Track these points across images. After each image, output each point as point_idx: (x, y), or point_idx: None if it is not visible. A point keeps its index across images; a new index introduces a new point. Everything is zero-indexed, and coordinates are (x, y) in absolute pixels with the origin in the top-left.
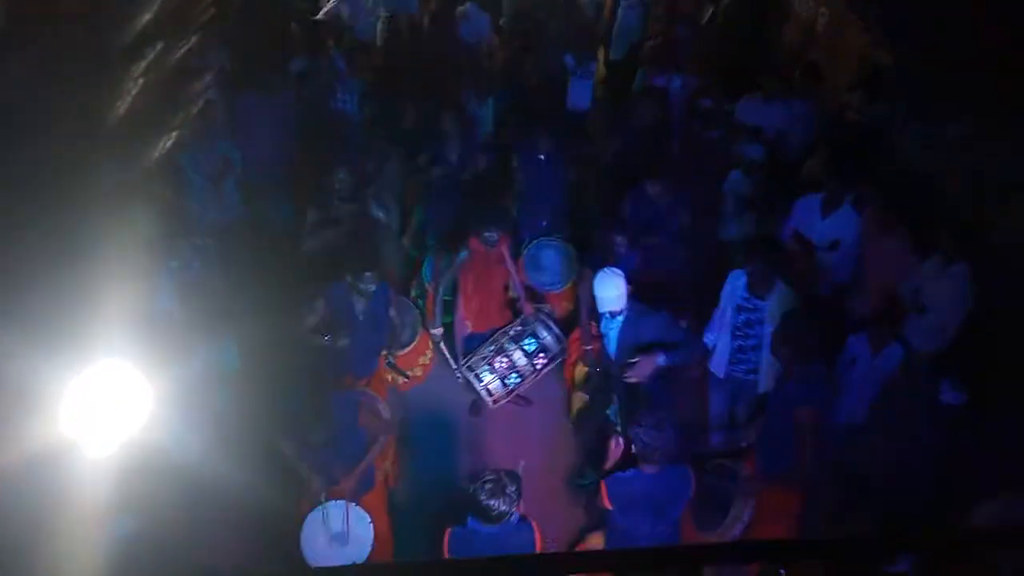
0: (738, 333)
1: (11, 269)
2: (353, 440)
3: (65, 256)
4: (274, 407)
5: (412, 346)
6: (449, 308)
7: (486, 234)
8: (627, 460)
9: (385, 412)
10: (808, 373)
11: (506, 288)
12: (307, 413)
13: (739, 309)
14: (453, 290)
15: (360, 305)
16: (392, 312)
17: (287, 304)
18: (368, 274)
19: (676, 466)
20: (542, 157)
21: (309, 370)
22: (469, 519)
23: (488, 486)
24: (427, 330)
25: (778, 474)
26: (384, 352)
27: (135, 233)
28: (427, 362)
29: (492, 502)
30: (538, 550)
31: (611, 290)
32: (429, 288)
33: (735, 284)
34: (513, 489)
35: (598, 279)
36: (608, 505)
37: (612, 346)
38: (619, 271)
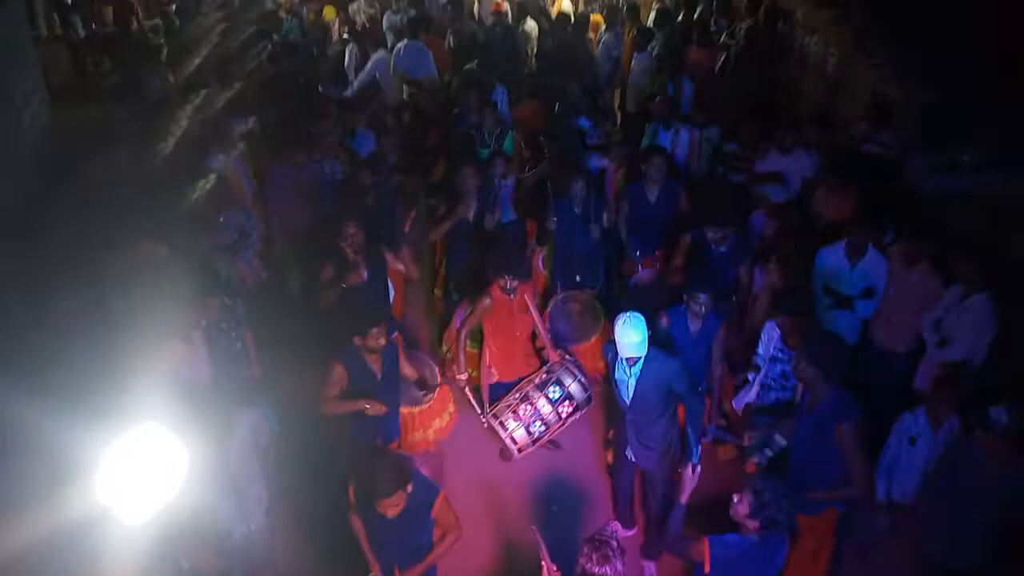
0: (774, 384)
1: (47, 333)
2: (422, 529)
3: (100, 321)
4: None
5: (429, 402)
6: (475, 358)
7: (504, 282)
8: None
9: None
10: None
11: (533, 336)
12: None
13: (774, 360)
14: (480, 339)
15: (375, 365)
16: (403, 366)
17: (314, 367)
18: (374, 330)
19: (777, 532)
20: (577, 211)
21: (347, 436)
22: None
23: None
24: (448, 382)
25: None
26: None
27: (169, 294)
28: (449, 418)
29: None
30: None
31: (634, 336)
32: (455, 337)
33: (770, 335)
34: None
35: (620, 325)
36: (707, 569)
37: (627, 394)
38: (641, 316)
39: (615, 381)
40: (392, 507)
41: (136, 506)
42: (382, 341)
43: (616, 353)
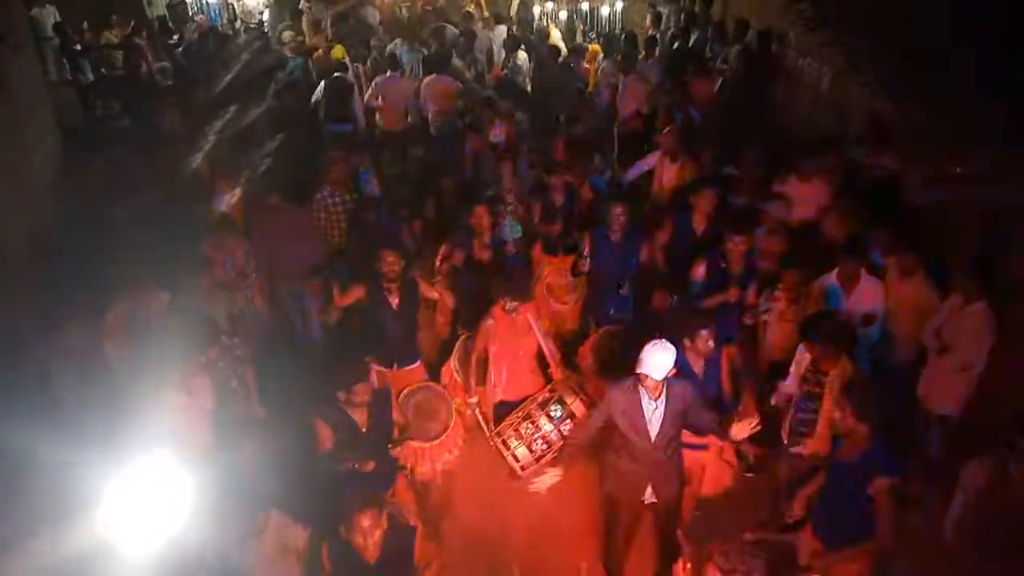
0: (801, 406)
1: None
2: (404, 569)
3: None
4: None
5: (444, 437)
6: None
7: (506, 303)
8: None
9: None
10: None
11: (538, 355)
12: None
13: (802, 381)
14: (485, 362)
15: (360, 417)
16: (395, 414)
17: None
18: (359, 386)
19: None
20: (615, 240)
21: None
22: None
23: None
24: (460, 415)
25: (840, 547)
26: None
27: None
28: (451, 459)
29: None
30: None
31: (667, 357)
32: (456, 366)
33: (800, 360)
34: None
35: (651, 348)
36: None
37: (652, 428)
38: (671, 346)
39: (632, 424)
40: (365, 535)
41: (139, 539)
42: (366, 396)
43: (632, 394)
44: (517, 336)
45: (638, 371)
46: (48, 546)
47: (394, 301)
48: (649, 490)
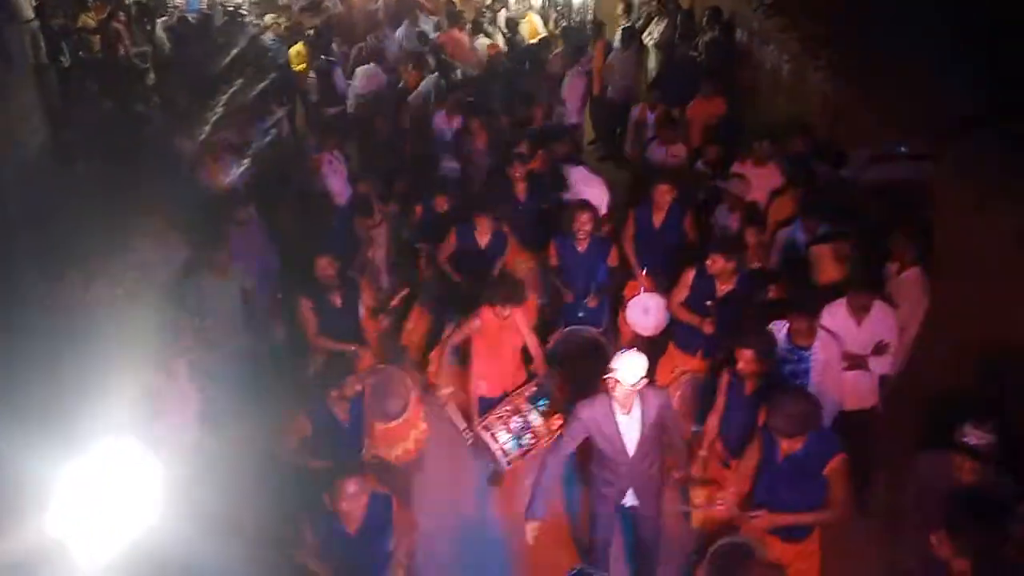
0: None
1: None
2: (382, 539)
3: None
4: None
5: (404, 418)
6: (458, 375)
7: (500, 308)
8: None
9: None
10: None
11: (521, 351)
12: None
13: (782, 361)
14: (463, 355)
15: (342, 413)
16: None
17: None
18: (350, 379)
19: None
20: (581, 250)
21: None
22: None
23: None
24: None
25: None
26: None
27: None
28: (420, 435)
29: None
30: None
31: (640, 363)
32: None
33: (778, 335)
34: None
35: (624, 356)
36: None
37: (628, 439)
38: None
39: (607, 440)
40: (351, 501)
41: (95, 541)
42: (358, 388)
43: (603, 410)
44: (503, 332)
45: (607, 377)
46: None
47: (337, 300)
48: (631, 493)
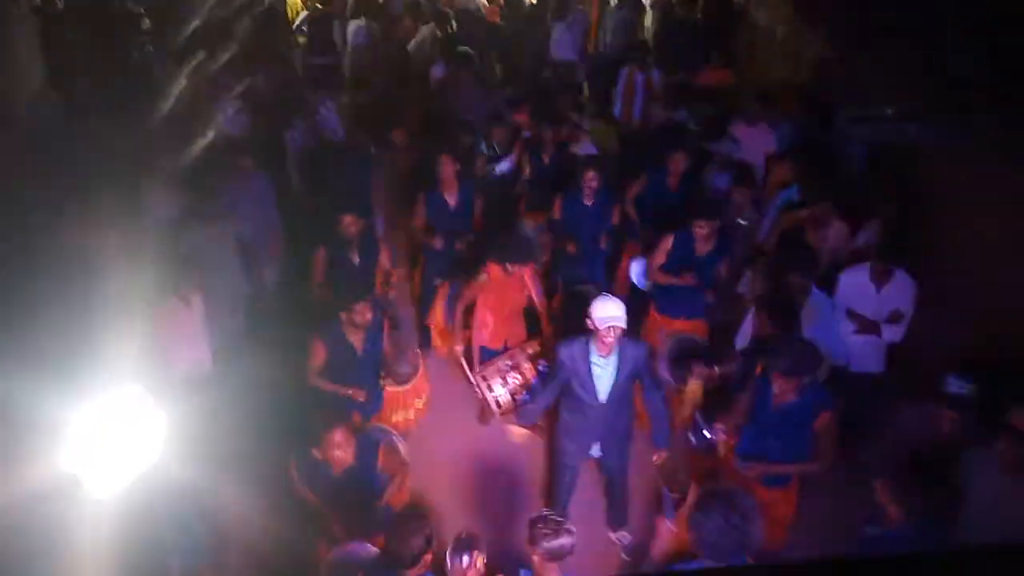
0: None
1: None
2: (372, 481)
3: (76, 278)
4: (288, 447)
5: (411, 384)
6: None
7: (508, 264)
8: None
9: (403, 448)
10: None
11: (527, 306)
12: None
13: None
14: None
15: (358, 341)
16: (385, 343)
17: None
18: (360, 305)
19: None
20: (588, 204)
21: (317, 409)
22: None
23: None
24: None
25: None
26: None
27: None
28: (421, 407)
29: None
30: None
31: (615, 307)
32: (442, 314)
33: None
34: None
35: (599, 301)
36: None
37: (601, 388)
38: (617, 299)
39: (581, 382)
40: (343, 447)
41: (107, 477)
42: (368, 316)
43: (581, 351)
44: (508, 290)
45: (589, 326)
46: (5, 481)
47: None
48: (596, 446)
